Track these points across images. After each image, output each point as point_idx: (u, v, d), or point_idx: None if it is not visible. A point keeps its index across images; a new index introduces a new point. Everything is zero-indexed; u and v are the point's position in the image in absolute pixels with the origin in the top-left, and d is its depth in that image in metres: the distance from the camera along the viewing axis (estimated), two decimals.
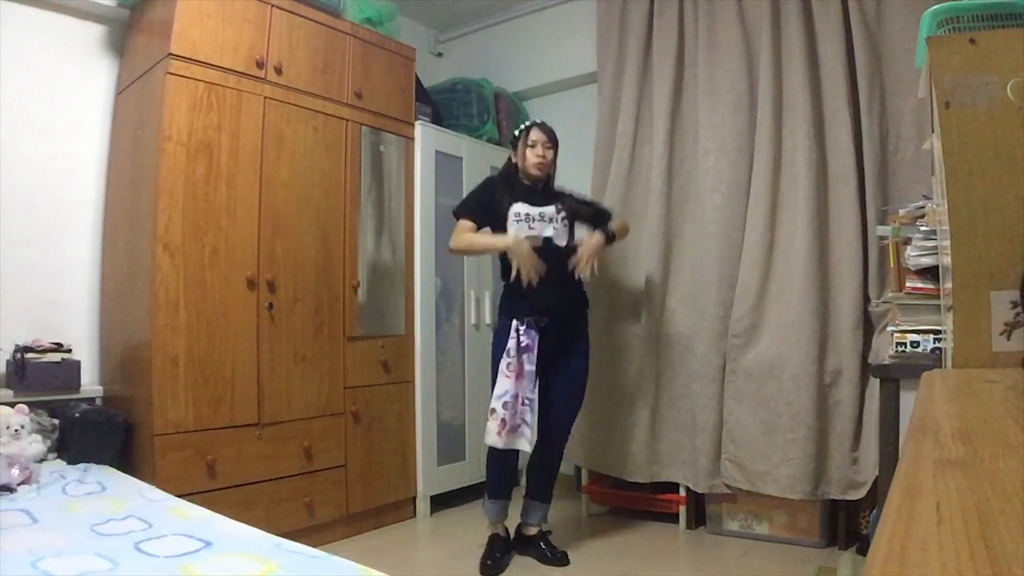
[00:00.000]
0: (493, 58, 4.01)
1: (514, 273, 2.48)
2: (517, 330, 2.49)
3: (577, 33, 3.66)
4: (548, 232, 2.57)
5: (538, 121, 2.67)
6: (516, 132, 2.68)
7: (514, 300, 2.58)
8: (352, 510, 2.88)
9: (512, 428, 2.45)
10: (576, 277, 2.59)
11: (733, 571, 2.51)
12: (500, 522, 2.65)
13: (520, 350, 2.47)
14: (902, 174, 2.65)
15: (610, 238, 2.63)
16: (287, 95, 2.73)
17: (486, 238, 2.62)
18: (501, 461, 2.56)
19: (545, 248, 2.55)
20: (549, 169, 2.65)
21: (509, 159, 2.71)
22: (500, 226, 2.58)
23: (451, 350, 3.38)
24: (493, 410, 2.48)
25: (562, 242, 2.59)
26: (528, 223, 2.57)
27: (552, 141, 2.64)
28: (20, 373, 2.33)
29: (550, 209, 2.60)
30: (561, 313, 2.58)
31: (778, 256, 2.82)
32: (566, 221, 2.61)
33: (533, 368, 2.48)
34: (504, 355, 2.49)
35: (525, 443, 2.47)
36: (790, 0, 2.86)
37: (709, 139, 2.99)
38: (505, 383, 2.47)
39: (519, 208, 2.58)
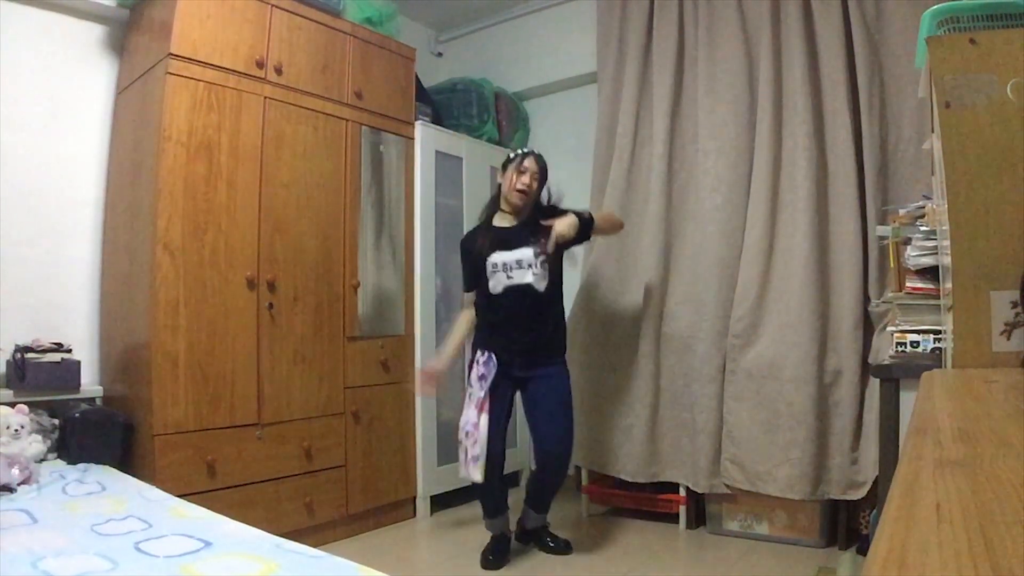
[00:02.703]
0: (493, 58, 4.01)
1: (417, 390, 2.68)
2: (477, 360, 2.52)
3: (577, 33, 3.66)
4: (528, 279, 2.52)
5: (535, 152, 2.66)
6: (511, 155, 2.65)
7: (489, 338, 2.59)
8: (352, 510, 2.88)
9: (474, 458, 2.44)
10: (551, 320, 2.63)
11: (733, 571, 2.50)
12: (502, 529, 2.67)
13: (478, 379, 2.50)
14: (902, 174, 2.65)
15: (586, 222, 2.57)
16: (287, 95, 2.73)
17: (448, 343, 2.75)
18: (485, 491, 2.55)
19: (524, 293, 2.53)
20: (530, 200, 2.61)
21: (498, 187, 2.70)
22: (484, 276, 2.58)
23: None
24: (459, 441, 2.52)
25: (541, 286, 2.54)
26: (506, 272, 2.54)
27: (542, 175, 2.63)
28: (20, 373, 2.33)
29: (528, 254, 2.52)
30: (532, 351, 2.57)
31: (778, 256, 2.82)
32: (546, 265, 2.55)
33: (483, 396, 2.48)
34: (468, 387, 2.53)
35: (478, 473, 2.43)
36: (790, 0, 2.86)
37: (709, 139, 2.99)
38: (465, 413, 2.51)
39: (495, 259, 2.55)
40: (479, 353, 2.54)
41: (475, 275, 2.63)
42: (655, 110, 3.17)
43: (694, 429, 2.92)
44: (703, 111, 3.02)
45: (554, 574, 2.52)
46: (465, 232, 2.91)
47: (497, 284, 2.55)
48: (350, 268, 2.94)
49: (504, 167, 2.66)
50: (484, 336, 2.62)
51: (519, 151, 2.65)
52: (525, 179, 2.57)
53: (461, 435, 2.50)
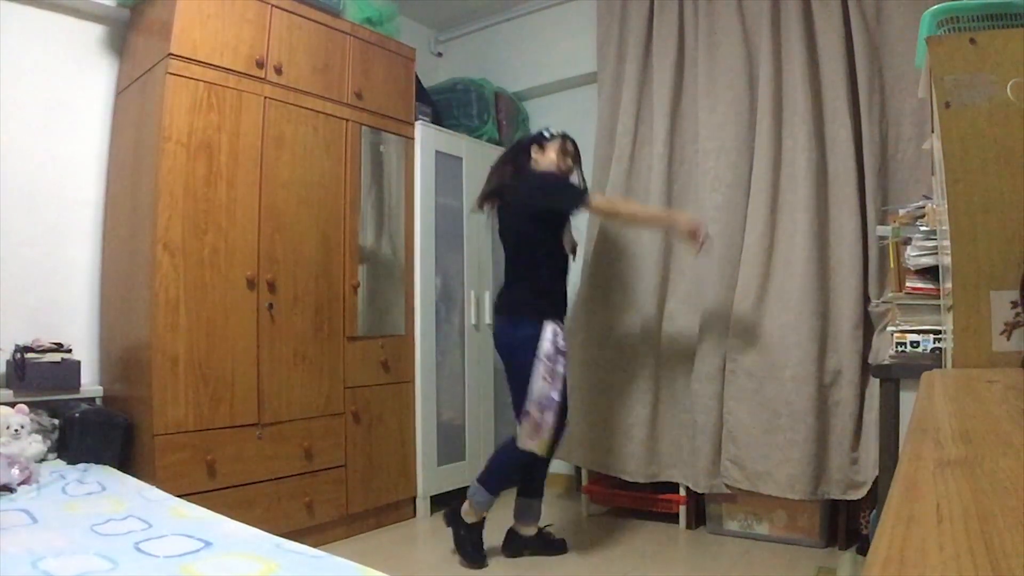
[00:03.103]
0: (493, 58, 4.01)
1: (699, 246, 2.48)
2: (556, 333, 2.50)
3: (577, 33, 3.66)
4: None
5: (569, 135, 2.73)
6: (547, 134, 2.68)
7: (542, 300, 2.57)
8: (352, 510, 2.88)
9: (543, 430, 2.44)
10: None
11: (733, 571, 2.51)
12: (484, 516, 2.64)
13: (558, 352, 2.49)
14: (902, 174, 2.65)
15: None
16: (287, 95, 2.73)
17: (652, 211, 2.86)
18: (528, 465, 2.55)
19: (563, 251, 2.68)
20: None
21: (529, 153, 2.67)
22: (559, 224, 2.62)
23: (451, 350, 3.37)
24: (527, 413, 2.46)
25: None
26: (573, 232, 2.73)
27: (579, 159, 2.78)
28: (20, 373, 2.33)
29: None
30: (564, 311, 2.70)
31: (778, 256, 2.82)
32: None
33: (565, 373, 2.50)
34: (544, 359, 2.47)
35: (544, 447, 2.47)
36: (790, 0, 2.86)
37: (709, 139, 2.99)
38: (544, 387, 2.45)
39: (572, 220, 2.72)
40: (553, 325, 2.51)
41: (561, 219, 2.65)
42: (655, 110, 3.17)
43: (694, 429, 2.92)
44: (703, 111, 3.02)
45: (554, 574, 2.52)
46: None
47: (568, 244, 2.69)
48: (350, 268, 2.94)
49: (539, 143, 2.67)
50: (543, 303, 2.57)
51: (552, 131, 2.70)
52: (568, 161, 2.70)
53: (535, 408, 2.45)
